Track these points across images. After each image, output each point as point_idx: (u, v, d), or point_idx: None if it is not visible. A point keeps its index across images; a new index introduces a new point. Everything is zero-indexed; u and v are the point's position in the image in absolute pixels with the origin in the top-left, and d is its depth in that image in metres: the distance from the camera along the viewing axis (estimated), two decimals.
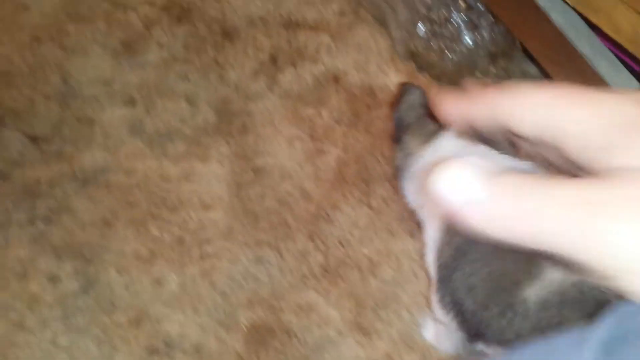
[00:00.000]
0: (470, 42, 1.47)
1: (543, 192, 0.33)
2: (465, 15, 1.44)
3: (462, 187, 0.32)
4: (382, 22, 1.75)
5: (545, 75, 1.69)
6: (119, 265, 1.28)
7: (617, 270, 0.33)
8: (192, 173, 1.44)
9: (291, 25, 1.77)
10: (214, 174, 1.45)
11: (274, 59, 1.68)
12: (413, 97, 1.15)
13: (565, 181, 0.34)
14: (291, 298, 1.30)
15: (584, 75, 1.27)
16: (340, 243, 1.38)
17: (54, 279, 1.25)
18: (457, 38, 1.48)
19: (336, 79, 1.66)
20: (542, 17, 1.33)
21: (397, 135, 1.20)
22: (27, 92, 1.51)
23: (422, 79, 1.66)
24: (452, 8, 1.44)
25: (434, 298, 1.03)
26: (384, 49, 1.72)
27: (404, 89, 1.16)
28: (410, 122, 1.14)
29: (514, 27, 1.38)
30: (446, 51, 1.52)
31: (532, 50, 1.48)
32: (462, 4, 1.44)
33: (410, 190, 1.10)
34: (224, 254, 1.33)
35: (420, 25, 1.51)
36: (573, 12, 1.27)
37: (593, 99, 0.38)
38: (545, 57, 1.44)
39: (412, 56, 1.62)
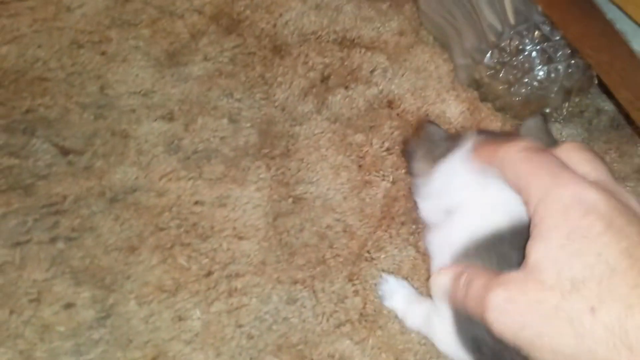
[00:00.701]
0: (543, 76, 1.33)
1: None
2: (541, 47, 1.30)
3: None
4: (444, 46, 1.61)
5: (622, 113, 1.54)
6: (140, 295, 1.18)
7: None
8: (228, 198, 1.33)
9: (346, 43, 1.65)
10: (251, 200, 1.34)
11: (325, 79, 1.56)
12: (432, 134, 1.04)
13: None
14: (324, 346, 1.18)
15: None
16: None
17: (69, 307, 1.15)
18: (528, 70, 1.33)
19: (390, 104, 1.53)
20: (625, 50, 1.18)
21: (409, 165, 1.10)
22: (62, 101, 1.43)
23: (485, 110, 1.52)
24: (526, 38, 1.30)
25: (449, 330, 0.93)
26: (445, 75, 1.59)
27: (426, 126, 1.06)
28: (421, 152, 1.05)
29: (595, 62, 1.22)
30: (515, 84, 1.37)
31: (612, 87, 1.32)
32: (538, 35, 1.29)
33: (424, 210, 1.02)
34: (253, 290, 1.22)
35: (488, 53, 1.36)
36: None
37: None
38: (625, 94, 1.29)
39: (476, 85, 1.48)
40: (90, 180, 1.32)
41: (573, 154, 0.57)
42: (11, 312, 1.14)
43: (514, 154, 0.58)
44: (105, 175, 1.33)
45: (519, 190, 0.56)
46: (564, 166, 0.55)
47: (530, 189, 0.54)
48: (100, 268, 1.20)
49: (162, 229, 1.28)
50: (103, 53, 1.53)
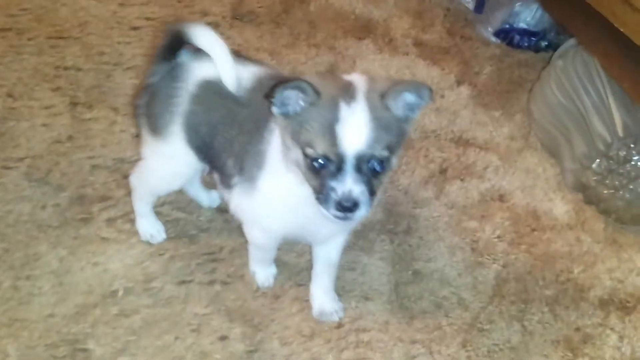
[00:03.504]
0: None
1: None
2: None
3: None
4: (551, 151, 1.80)
5: None
6: (283, 337, 1.36)
7: None
8: (357, 263, 1.53)
9: (462, 142, 1.87)
10: (377, 268, 1.53)
11: (443, 171, 1.78)
12: None
13: None
14: None
15: None
16: (490, 355, 1.39)
17: (223, 339, 1.35)
18: (634, 178, 1.50)
19: (501, 198, 1.72)
20: None
21: None
22: None
23: (589, 211, 1.68)
24: (633, 150, 1.48)
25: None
26: (552, 177, 1.77)
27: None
28: None
29: None
30: (620, 189, 1.54)
31: None
32: None
33: None
34: (378, 345, 1.38)
35: (597, 160, 1.55)
36: None
37: None
38: None
39: (582, 188, 1.66)
40: (243, 236, 1.52)
41: None
42: (176, 338, 1.34)
43: None
44: None
45: None
46: None
47: None
48: (249, 310, 1.40)
49: (300, 285, 1.47)
50: None
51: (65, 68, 1.89)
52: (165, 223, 1.54)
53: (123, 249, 1.47)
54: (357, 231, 1.59)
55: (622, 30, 1.29)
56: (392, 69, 2.08)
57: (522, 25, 2.20)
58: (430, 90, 1.05)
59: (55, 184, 1.58)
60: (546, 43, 2.21)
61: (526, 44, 2.21)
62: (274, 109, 1.06)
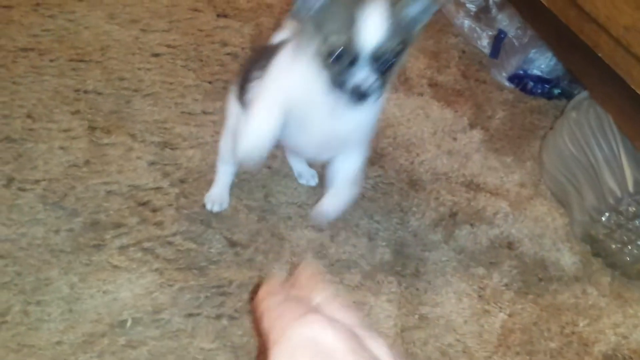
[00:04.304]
0: None
1: None
2: None
3: None
4: (561, 201, 1.82)
5: None
6: None
7: None
8: (364, 305, 1.54)
9: (472, 186, 1.89)
10: (383, 310, 1.53)
11: (453, 215, 1.79)
12: None
13: None
14: None
15: None
16: None
17: None
18: None
19: (510, 245, 1.73)
20: None
21: None
22: (233, 202, 1.70)
23: (596, 264, 1.70)
24: None
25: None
26: (560, 227, 1.79)
27: None
28: None
29: None
30: (628, 244, 1.55)
31: None
32: None
33: None
34: None
35: (606, 214, 1.56)
36: None
37: None
38: None
39: (590, 240, 1.67)
40: (252, 270, 1.55)
41: (326, 306, 0.56)
42: None
43: (273, 302, 0.57)
44: (264, 268, 1.56)
45: (268, 332, 0.54)
46: (314, 308, 0.55)
47: (272, 331, 0.52)
48: (255, 347, 1.41)
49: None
50: (269, 167, 1.82)
51: (86, 91, 1.91)
52: (176, 253, 1.55)
53: (133, 278, 1.48)
54: (365, 272, 1.60)
55: (637, 91, 1.31)
56: (406, 109, 2.10)
57: (536, 72, 2.23)
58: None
59: (70, 209, 1.59)
60: (559, 91, 2.24)
61: (539, 91, 2.24)
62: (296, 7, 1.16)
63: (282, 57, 1.29)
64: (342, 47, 1.13)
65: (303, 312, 0.52)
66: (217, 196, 1.67)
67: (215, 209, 1.66)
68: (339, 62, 1.15)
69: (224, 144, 1.60)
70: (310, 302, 0.57)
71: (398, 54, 1.16)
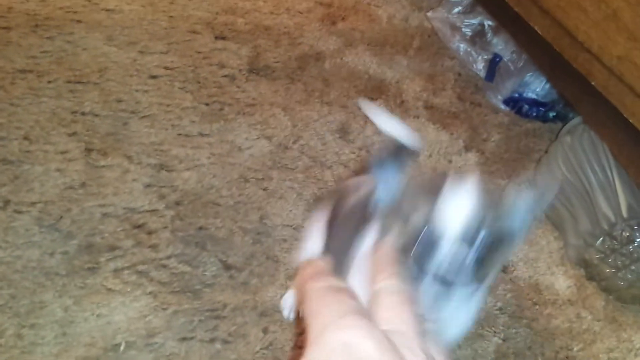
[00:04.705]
0: None
1: None
2: None
3: None
4: (556, 225, 1.83)
5: None
6: None
7: None
8: None
9: None
10: None
11: None
12: None
13: None
14: None
15: None
16: None
17: None
18: (636, 260, 1.52)
19: (504, 269, 1.73)
20: None
21: None
22: (229, 224, 1.70)
23: (590, 288, 1.70)
24: (636, 232, 1.50)
25: None
26: (555, 251, 1.79)
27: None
28: None
29: None
30: (622, 269, 1.56)
31: None
32: None
33: None
34: None
35: (600, 239, 1.57)
36: None
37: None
38: None
39: (585, 264, 1.67)
40: (247, 294, 1.55)
41: (383, 297, 0.53)
42: None
43: (315, 289, 0.54)
44: (259, 292, 1.57)
45: (308, 323, 0.52)
46: (356, 308, 0.51)
47: (311, 326, 0.50)
48: None
49: (300, 347, 1.48)
50: (265, 189, 1.83)
51: (83, 113, 1.92)
52: (171, 276, 1.56)
53: (127, 301, 1.49)
54: None
55: (630, 120, 1.32)
56: None
57: (532, 95, 2.24)
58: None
59: (66, 231, 1.60)
60: (554, 114, 2.25)
61: (534, 114, 2.25)
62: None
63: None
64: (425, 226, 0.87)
65: (344, 311, 0.49)
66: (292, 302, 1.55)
67: (293, 316, 1.53)
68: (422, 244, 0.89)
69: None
70: (353, 298, 0.53)
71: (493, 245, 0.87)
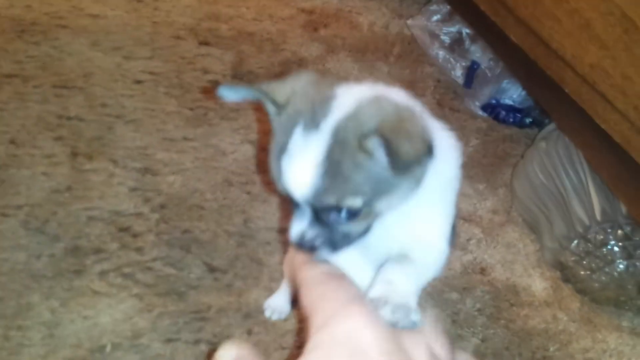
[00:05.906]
0: (623, 269, 1.56)
1: None
2: (622, 244, 1.55)
3: None
4: (532, 228, 1.88)
5: None
6: None
7: None
8: None
9: None
10: None
11: None
12: None
13: None
14: None
15: None
16: None
17: None
18: (610, 262, 1.57)
19: (482, 271, 1.78)
20: None
21: None
22: (213, 227, 1.73)
23: (566, 290, 1.75)
24: (610, 235, 1.56)
25: None
26: (532, 253, 1.84)
27: None
28: None
29: None
30: (596, 271, 1.61)
31: None
32: (621, 234, 1.55)
33: None
34: None
35: (575, 241, 1.62)
36: None
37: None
38: None
39: (560, 267, 1.72)
40: (231, 296, 1.58)
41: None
42: None
43: (312, 277, 0.54)
44: (243, 294, 1.60)
45: (309, 312, 0.51)
46: (356, 295, 0.51)
47: (314, 314, 0.50)
48: None
49: (284, 348, 1.51)
50: (248, 192, 1.86)
51: (68, 118, 1.94)
52: (156, 278, 1.58)
53: (113, 303, 1.51)
54: None
55: (602, 126, 1.37)
56: None
57: (508, 101, 2.30)
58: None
59: (52, 234, 1.61)
60: (531, 120, 2.31)
61: (511, 120, 2.31)
62: None
63: None
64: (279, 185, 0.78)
65: (346, 299, 0.50)
66: (278, 306, 1.58)
67: (275, 317, 1.57)
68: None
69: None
70: (352, 284, 0.53)
71: (356, 210, 0.74)
